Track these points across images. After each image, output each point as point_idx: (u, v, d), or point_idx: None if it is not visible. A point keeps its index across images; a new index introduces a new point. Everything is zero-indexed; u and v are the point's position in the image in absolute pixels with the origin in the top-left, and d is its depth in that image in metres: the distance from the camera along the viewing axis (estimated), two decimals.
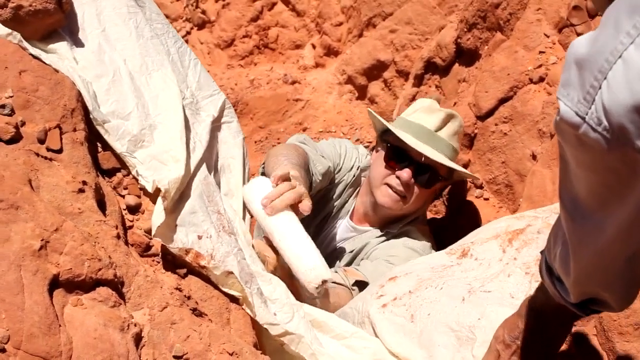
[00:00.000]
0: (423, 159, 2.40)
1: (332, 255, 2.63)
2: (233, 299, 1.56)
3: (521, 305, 1.48)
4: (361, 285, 2.27)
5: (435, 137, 2.43)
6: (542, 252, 1.34)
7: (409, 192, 2.46)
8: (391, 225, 2.58)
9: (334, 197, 2.67)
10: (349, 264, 2.57)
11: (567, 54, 0.92)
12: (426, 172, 2.44)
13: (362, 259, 2.53)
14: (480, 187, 2.70)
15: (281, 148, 2.33)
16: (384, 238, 2.56)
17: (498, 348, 1.50)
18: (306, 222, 2.67)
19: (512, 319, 1.49)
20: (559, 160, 1.03)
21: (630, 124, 0.83)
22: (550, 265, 1.28)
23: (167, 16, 2.00)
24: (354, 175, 2.66)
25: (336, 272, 2.46)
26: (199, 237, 1.53)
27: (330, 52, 4.16)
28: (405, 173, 2.43)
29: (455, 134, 2.49)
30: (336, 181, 2.65)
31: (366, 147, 3.49)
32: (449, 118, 2.46)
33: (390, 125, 2.48)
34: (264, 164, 2.29)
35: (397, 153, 2.46)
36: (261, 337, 1.59)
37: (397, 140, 2.43)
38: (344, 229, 2.67)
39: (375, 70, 3.78)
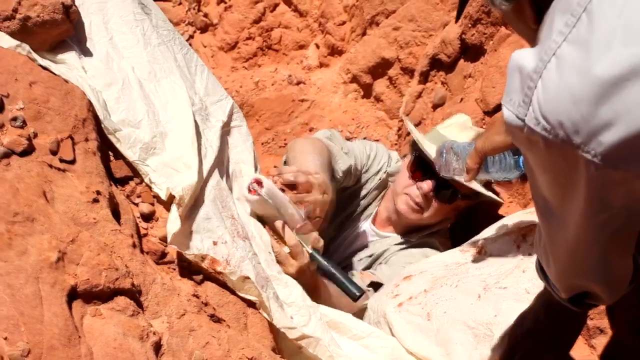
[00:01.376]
0: None
1: (350, 257, 2.63)
2: (250, 304, 1.56)
3: (534, 300, 1.48)
4: (376, 286, 2.26)
5: None
6: None
7: (427, 204, 2.44)
8: (412, 234, 2.56)
9: (360, 197, 2.66)
10: (367, 267, 2.56)
11: (509, 63, 0.92)
12: (448, 188, 2.40)
13: (380, 263, 2.52)
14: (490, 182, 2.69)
15: (304, 144, 2.31)
16: (403, 246, 2.54)
17: (513, 343, 1.50)
18: (330, 218, 2.67)
19: (526, 314, 1.49)
20: (525, 163, 1.03)
21: (567, 120, 0.83)
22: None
23: (169, 20, 2.00)
24: (380, 179, 2.65)
25: (352, 275, 2.46)
26: (214, 243, 1.53)
27: (334, 51, 4.14)
28: (426, 185, 2.41)
29: None
30: (362, 181, 2.63)
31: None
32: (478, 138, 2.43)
33: (419, 136, 2.44)
34: (285, 159, 2.29)
35: (422, 164, 2.43)
36: (279, 341, 1.59)
37: (424, 152, 2.40)
38: (365, 233, 2.66)
39: (380, 68, 3.77)
